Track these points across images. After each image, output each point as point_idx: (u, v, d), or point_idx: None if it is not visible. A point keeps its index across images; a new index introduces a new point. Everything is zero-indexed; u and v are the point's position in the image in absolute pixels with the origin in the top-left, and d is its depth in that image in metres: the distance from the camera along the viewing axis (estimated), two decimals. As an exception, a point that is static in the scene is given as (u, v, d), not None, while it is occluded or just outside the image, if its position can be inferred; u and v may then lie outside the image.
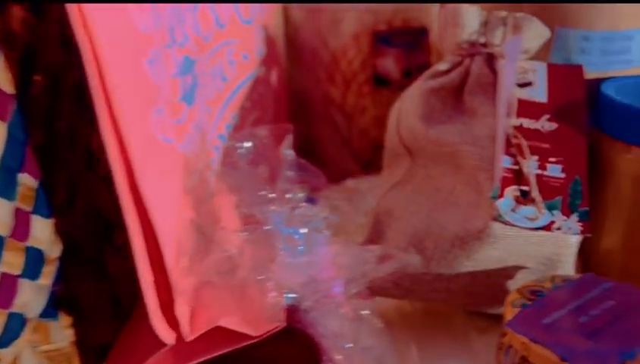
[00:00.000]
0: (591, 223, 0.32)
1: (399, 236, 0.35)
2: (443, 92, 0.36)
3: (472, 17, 0.36)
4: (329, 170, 0.59)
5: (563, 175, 0.33)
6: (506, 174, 0.33)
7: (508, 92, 0.34)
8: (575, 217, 0.32)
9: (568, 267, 0.34)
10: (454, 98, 0.36)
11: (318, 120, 0.58)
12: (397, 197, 0.37)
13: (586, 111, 0.34)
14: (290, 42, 0.56)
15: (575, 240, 0.33)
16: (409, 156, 0.38)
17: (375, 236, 0.36)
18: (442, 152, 0.35)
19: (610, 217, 0.36)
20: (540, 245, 0.33)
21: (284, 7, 0.55)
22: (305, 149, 0.61)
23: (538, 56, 0.38)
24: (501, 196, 0.32)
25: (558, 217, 0.32)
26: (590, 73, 0.38)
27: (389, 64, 0.54)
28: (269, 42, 0.47)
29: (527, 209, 0.32)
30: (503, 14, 0.36)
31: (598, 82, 0.38)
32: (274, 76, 0.49)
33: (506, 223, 0.32)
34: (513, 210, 0.32)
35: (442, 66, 0.37)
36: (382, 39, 0.53)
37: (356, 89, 0.55)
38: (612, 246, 0.36)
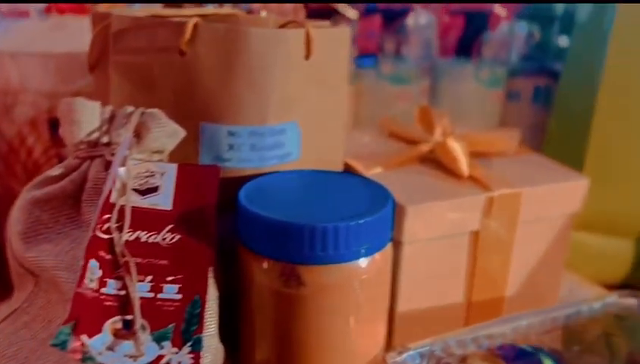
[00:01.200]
0: (204, 353, 0.28)
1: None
2: (54, 203, 0.30)
3: (90, 113, 0.31)
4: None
5: (179, 297, 0.28)
6: (109, 303, 0.27)
7: (105, 199, 0.29)
8: (186, 348, 0.27)
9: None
10: (70, 209, 0.30)
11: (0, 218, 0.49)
12: (6, 332, 0.30)
13: (215, 219, 0.31)
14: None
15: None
16: (32, 277, 0.31)
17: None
18: (51, 277, 0.29)
19: (259, 329, 0.32)
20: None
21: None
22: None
23: (186, 156, 0.34)
24: (98, 331, 0.27)
25: (168, 349, 0.27)
26: (245, 171, 0.35)
27: (76, 154, 0.48)
28: None
29: (128, 345, 0.27)
30: (130, 110, 0.32)
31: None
32: None
33: (100, 366, 0.26)
34: (111, 348, 0.26)
35: (54, 171, 0.31)
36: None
37: (40, 182, 0.47)
38: (265, 358, 0.33)
